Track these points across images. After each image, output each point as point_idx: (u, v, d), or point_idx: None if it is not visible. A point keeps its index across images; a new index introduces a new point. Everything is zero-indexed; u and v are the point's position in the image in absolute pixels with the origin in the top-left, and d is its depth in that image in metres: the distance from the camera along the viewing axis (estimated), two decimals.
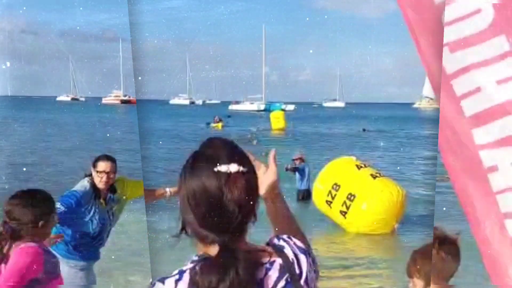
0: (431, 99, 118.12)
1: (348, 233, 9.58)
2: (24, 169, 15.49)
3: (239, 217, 1.32)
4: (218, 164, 1.33)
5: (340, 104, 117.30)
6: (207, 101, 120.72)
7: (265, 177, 1.57)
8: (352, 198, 9.48)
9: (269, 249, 1.40)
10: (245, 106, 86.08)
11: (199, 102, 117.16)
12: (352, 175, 9.83)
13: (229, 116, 39.58)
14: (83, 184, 4.14)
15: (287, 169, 12.27)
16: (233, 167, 1.33)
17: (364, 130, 38.46)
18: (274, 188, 1.60)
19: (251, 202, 1.36)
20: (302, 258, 1.41)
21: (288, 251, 1.40)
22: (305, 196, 12.01)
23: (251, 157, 1.45)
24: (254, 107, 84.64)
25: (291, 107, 77.92)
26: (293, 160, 12.56)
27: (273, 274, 1.34)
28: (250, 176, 1.37)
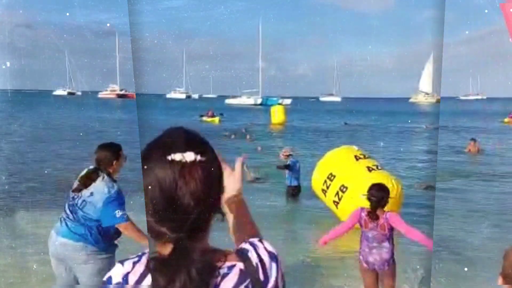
0: (427, 93, 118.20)
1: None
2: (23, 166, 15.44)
3: (196, 212, 1.18)
4: (172, 153, 1.19)
5: (337, 98, 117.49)
6: (204, 95, 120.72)
7: (228, 181, 1.42)
8: (344, 189, 9.31)
9: (228, 252, 1.26)
10: (242, 100, 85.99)
11: (196, 96, 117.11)
12: (348, 166, 9.60)
13: (221, 114, 38.59)
14: (106, 179, 4.19)
15: (278, 167, 12.18)
16: (189, 156, 1.19)
17: (345, 123, 37.98)
18: (236, 195, 1.49)
19: (212, 196, 1.22)
20: (270, 264, 1.26)
21: (252, 255, 1.25)
22: (295, 192, 11.70)
23: (219, 157, 1.33)
24: (251, 101, 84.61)
25: (287, 101, 77.97)
26: (282, 155, 12.38)
27: (232, 279, 1.20)
28: (210, 167, 1.22)
